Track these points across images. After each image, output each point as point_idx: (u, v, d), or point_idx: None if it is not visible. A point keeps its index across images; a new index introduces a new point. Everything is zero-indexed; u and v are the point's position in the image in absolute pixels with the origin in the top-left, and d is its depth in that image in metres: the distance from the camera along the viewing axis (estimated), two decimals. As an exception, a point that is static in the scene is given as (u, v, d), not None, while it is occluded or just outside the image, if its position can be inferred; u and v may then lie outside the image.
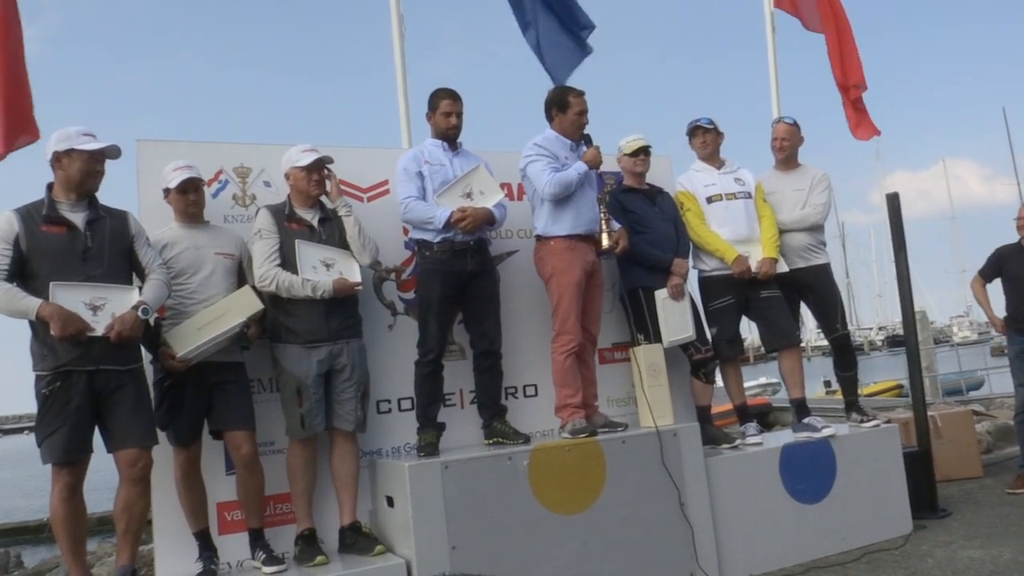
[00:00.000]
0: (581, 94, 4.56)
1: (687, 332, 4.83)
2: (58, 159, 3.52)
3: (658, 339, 4.78)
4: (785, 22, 7.46)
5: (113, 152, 3.63)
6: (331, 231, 4.12)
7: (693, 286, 5.09)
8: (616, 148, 5.10)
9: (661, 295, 4.79)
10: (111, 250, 3.57)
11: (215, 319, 3.79)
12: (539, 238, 4.52)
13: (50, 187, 3.57)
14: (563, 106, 4.52)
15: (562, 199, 4.38)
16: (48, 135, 3.65)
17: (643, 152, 4.99)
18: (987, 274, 6.30)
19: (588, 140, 4.57)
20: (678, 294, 4.80)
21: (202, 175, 4.02)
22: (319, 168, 4.11)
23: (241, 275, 4.06)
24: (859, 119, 7.45)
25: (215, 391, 3.87)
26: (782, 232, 5.21)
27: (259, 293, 3.95)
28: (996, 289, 6.35)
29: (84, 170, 3.54)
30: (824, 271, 5.35)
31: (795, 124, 5.51)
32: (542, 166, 4.38)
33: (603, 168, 4.66)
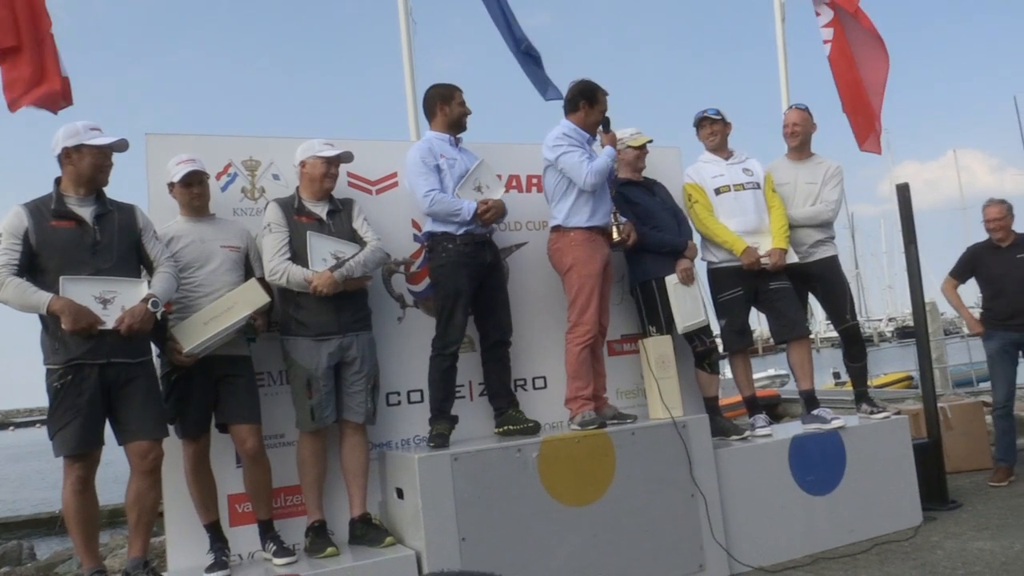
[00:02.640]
0: (606, 93, 4.58)
1: (700, 317, 4.82)
2: (68, 155, 3.54)
3: (670, 329, 4.76)
4: (795, 12, 7.42)
5: (121, 146, 3.65)
6: (340, 224, 4.13)
7: (701, 277, 5.07)
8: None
9: (672, 280, 4.77)
10: (120, 244, 3.59)
11: (222, 313, 3.80)
12: (558, 228, 4.51)
13: (58, 182, 3.58)
14: (593, 100, 4.53)
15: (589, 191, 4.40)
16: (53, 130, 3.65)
17: (646, 146, 5.02)
18: (959, 274, 6.26)
19: (607, 124, 4.60)
20: (688, 278, 4.79)
21: (206, 168, 4.02)
22: (337, 163, 4.14)
23: (248, 268, 4.07)
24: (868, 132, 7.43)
25: (221, 385, 3.88)
26: (792, 227, 5.16)
27: (266, 286, 3.96)
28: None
29: (94, 165, 3.56)
30: (832, 263, 5.32)
31: (807, 110, 5.45)
32: (579, 156, 4.38)
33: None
